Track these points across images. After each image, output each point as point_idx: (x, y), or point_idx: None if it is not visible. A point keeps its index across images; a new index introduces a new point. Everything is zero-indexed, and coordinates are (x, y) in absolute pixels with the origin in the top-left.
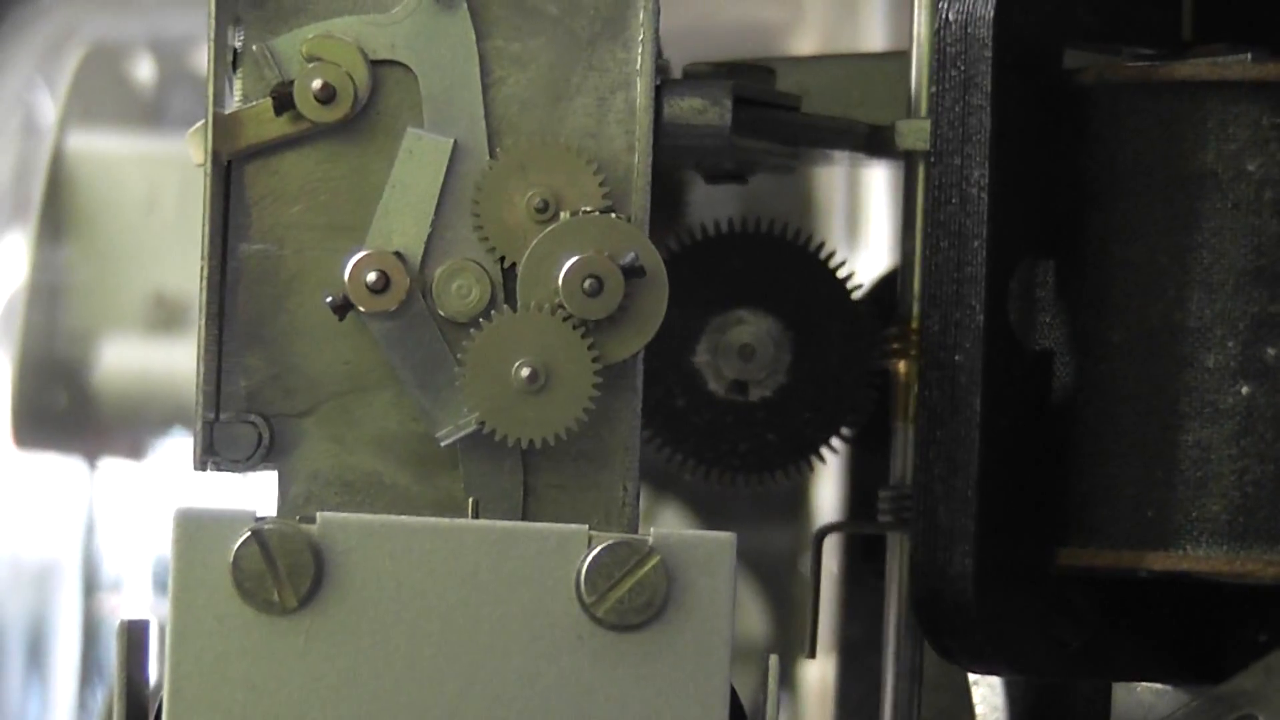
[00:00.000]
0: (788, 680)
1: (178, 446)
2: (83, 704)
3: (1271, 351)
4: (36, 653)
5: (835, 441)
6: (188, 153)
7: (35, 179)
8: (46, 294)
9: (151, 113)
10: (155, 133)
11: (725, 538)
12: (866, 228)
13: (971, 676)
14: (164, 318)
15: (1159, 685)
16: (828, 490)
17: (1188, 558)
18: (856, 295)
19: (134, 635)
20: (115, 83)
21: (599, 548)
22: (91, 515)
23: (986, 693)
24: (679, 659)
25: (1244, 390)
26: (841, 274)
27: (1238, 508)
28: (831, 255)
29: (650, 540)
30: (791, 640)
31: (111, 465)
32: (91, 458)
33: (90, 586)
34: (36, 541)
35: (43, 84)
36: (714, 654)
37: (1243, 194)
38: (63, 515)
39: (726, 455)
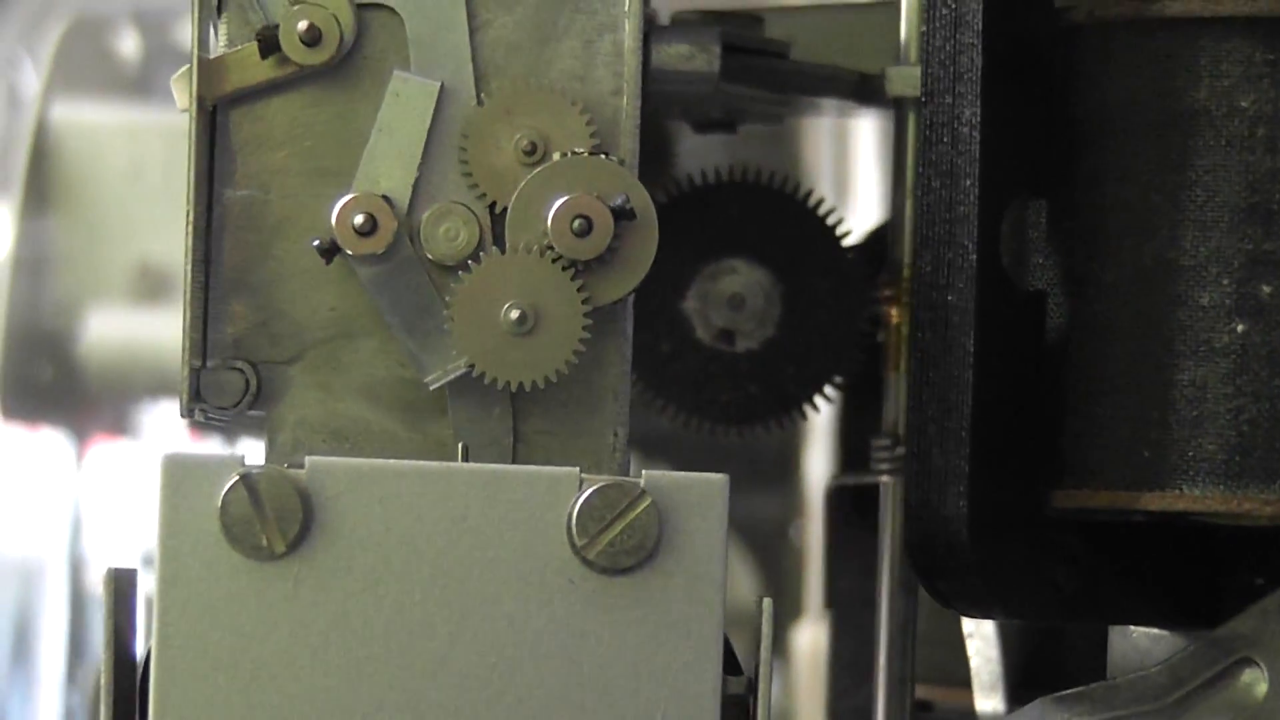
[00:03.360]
0: (779, 646)
1: (164, 416)
2: (71, 678)
3: (1266, 289)
4: (22, 635)
5: (819, 400)
6: (171, 123)
7: (19, 151)
8: (31, 265)
9: (136, 84)
10: (139, 103)
11: (717, 479)
12: (854, 184)
13: (966, 629)
14: (149, 288)
15: (1155, 630)
16: (817, 457)
17: (1184, 497)
18: (848, 252)
19: (121, 584)
20: (98, 54)
21: (590, 490)
22: (79, 489)
23: (981, 645)
24: (672, 601)
25: (1239, 328)
26: (835, 228)
27: (1233, 447)
28: (831, 212)
29: (641, 482)
30: (783, 607)
31: (98, 439)
32: (78, 429)
33: (77, 564)
34: (23, 518)
35: (25, 55)
36: (707, 596)
37: (1236, 131)
38: (49, 490)
39: (708, 405)
